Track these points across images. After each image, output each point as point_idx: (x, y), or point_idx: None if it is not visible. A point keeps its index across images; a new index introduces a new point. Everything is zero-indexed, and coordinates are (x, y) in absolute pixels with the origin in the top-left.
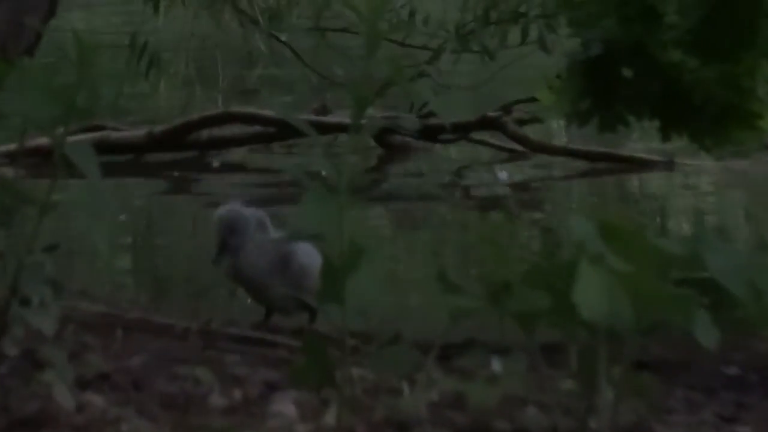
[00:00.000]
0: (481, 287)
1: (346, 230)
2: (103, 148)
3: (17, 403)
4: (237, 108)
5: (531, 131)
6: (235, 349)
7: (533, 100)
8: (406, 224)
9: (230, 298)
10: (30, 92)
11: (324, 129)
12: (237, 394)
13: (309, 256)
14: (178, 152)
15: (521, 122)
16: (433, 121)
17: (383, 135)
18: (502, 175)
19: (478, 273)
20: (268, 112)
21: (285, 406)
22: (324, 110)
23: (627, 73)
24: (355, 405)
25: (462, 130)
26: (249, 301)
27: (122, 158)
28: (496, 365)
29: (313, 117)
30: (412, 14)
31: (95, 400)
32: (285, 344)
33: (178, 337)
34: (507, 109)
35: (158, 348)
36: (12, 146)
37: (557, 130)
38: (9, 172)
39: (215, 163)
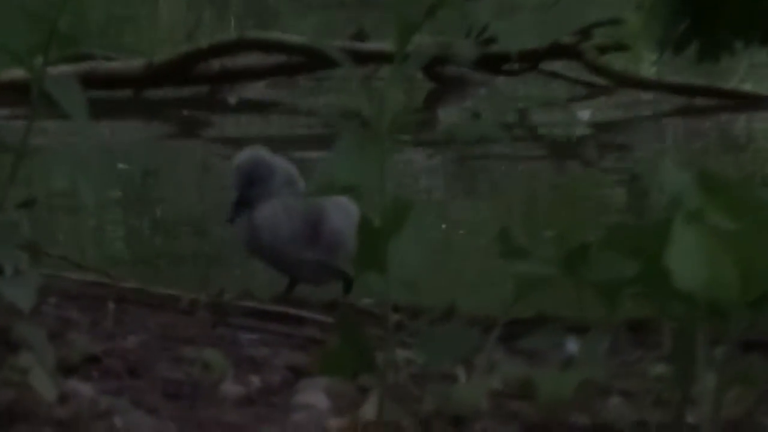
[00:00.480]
0: (553, 251)
1: (389, 182)
2: (91, 82)
3: None
4: (254, 33)
5: (615, 61)
6: (252, 326)
7: (617, 22)
8: (461, 174)
9: (246, 264)
10: (2, 14)
11: (361, 58)
12: (255, 381)
13: (343, 213)
14: (183, 87)
15: (603, 50)
16: (494, 48)
17: (434, 66)
18: (582, 114)
19: (550, 233)
20: (292, 38)
21: (314, 395)
22: (361, 36)
23: None
24: (400, 394)
25: (530, 60)
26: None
27: (116, 95)
28: (572, 346)
29: (347, 43)
30: None
31: (82, 388)
32: (313, 320)
33: (183, 312)
34: (585, 33)
35: (159, 325)
36: None
37: (646, 60)
38: None
39: (231, 100)
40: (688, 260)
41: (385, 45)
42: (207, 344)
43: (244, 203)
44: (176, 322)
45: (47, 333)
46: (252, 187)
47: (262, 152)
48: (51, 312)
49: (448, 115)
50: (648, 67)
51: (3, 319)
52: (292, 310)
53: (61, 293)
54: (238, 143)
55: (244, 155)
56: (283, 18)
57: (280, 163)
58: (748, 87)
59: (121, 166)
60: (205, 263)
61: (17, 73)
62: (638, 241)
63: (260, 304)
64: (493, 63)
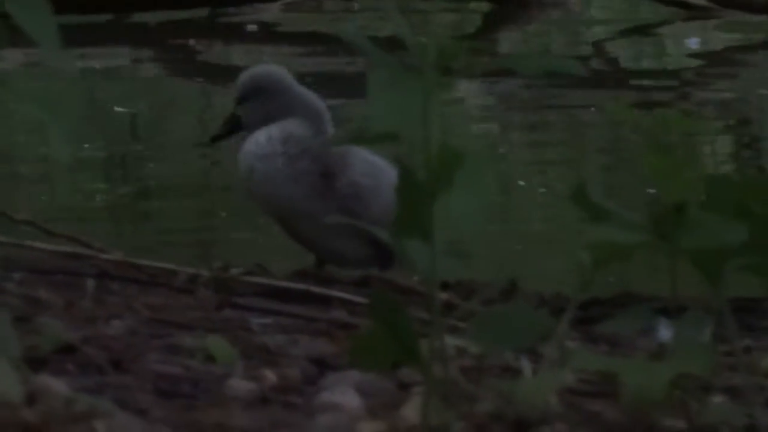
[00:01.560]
0: (641, 213)
1: (436, 127)
2: (64, 2)
3: None
4: None
5: None
6: (265, 308)
7: None
8: (526, 118)
9: (258, 231)
10: None
11: None
12: (269, 376)
13: (368, 165)
14: (181, 9)
15: None
16: None
17: None
18: (690, 42)
19: (637, 191)
20: None
21: (342, 393)
22: None
23: None
24: (450, 392)
25: None
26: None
27: (95, 19)
28: (665, 332)
29: None
30: None
31: (54, 385)
32: (342, 301)
33: (180, 291)
34: None
35: (149, 307)
36: None
37: None
38: None
39: (249, 27)
40: None
41: None
42: (210, 330)
43: (238, 124)
44: (171, 303)
45: (11, 316)
46: (254, 105)
47: (277, 69)
48: (15, 290)
49: (510, 43)
50: None
51: None
52: (314, 288)
53: (27, 267)
54: None
55: (255, 67)
56: None
57: (304, 92)
58: None
59: (118, 109)
60: (208, 230)
61: None
62: (748, 200)
63: (275, 281)
64: None
